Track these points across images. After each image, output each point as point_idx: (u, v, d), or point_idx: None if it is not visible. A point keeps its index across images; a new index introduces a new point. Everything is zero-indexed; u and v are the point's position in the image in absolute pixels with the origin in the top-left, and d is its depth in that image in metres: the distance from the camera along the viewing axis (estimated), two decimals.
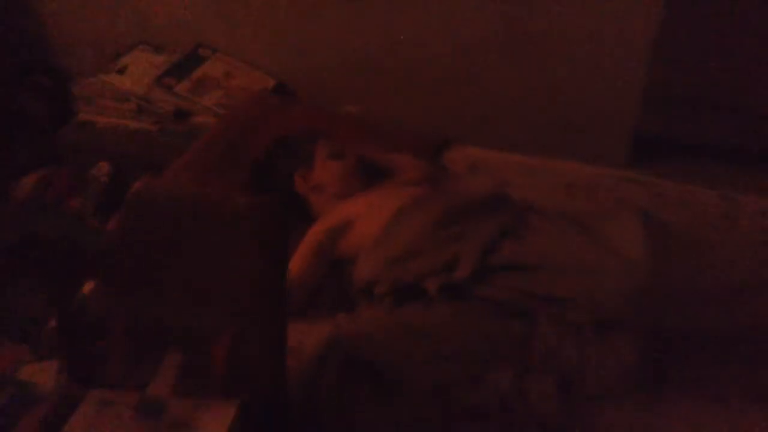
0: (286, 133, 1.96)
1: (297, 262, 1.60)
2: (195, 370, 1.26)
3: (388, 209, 1.67)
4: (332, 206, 1.77)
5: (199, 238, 1.16)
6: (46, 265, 1.32)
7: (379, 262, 1.57)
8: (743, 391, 1.41)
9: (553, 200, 1.85)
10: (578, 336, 1.41)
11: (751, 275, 1.53)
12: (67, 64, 2.54)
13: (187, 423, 1.19)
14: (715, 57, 2.35)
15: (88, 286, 1.32)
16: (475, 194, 1.68)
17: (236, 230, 1.12)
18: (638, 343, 1.39)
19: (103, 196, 2.24)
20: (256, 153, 1.91)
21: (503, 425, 1.34)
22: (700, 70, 2.34)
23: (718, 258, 1.60)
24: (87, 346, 1.32)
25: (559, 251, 1.50)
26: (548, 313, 1.43)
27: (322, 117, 2.15)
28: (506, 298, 1.47)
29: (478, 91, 2.19)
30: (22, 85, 2.56)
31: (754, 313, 1.49)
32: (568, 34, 2.04)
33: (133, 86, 2.26)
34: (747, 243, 1.81)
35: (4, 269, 1.24)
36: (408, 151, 1.98)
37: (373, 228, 1.64)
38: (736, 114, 2.43)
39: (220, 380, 1.24)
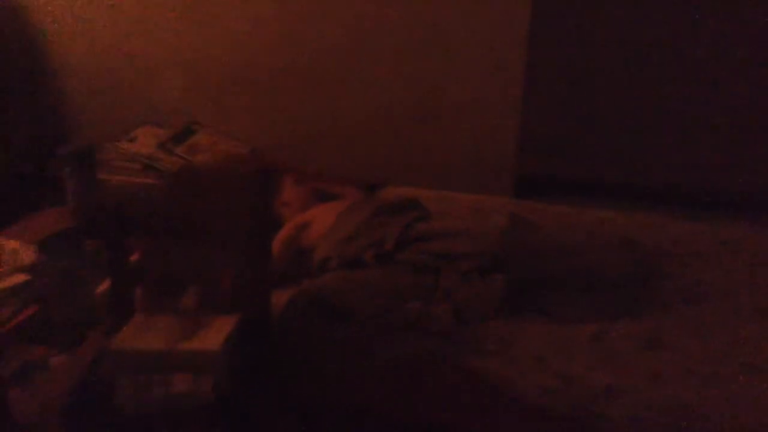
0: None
1: (275, 247, 2.17)
2: (208, 296, 1.77)
3: (334, 213, 2.26)
4: (296, 215, 2.36)
5: (213, 197, 1.73)
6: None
7: (332, 245, 2.15)
8: (579, 316, 1.97)
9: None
10: (466, 278, 1.99)
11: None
12: (86, 138, 3.11)
13: (203, 328, 1.69)
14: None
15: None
16: (395, 199, 2.30)
17: (239, 190, 1.70)
18: (507, 282, 1.97)
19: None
20: None
21: (415, 335, 1.88)
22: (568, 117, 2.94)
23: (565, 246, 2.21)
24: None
25: (451, 226, 2.10)
26: (446, 265, 2.02)
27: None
28: (418, 259, 2.05)
29: (400, 150, 2.82)
30: (49, 157, 3.08)
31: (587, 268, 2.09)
32: (458, 99, 2.68)
33: (140, 149, 2.84)
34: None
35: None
36: (349, 185, 2.61)
37: (325, 225, 2.23)
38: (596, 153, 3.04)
39: (226, 303, 1.76)
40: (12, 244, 1.50)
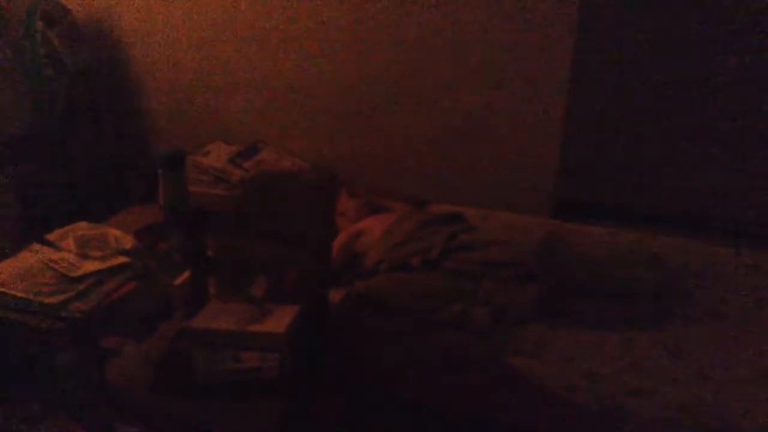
0: None
1: (334, 250, 2.37)
2: (274, 286, 1.98)
3: (385, 223, 2.46)
4: (350, 224, 2.57)
5: (283, 201, 1.94)
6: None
7: (383, 250, 2.34)
8: (608, 324, 2.11)
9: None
10: (504, 284, 2.16)
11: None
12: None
13: (269, 314, 1.88)
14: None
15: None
16: (441, 212, 2.49)
17: (308, 192, 1.91)
18: (543, 290, 2.13)
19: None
20: None
21: (456, 334, 2.04)
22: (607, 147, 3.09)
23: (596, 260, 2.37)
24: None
25: (491, 238, 2.28)
26: (486, 273, 2.19)
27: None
28: (460, 266, 2.23)
29: (447, 170, 3.01)
30: (128, 169, 3.39)
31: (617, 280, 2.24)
32: (502, 126, 2.87)
33: (213, 163, 3.09)
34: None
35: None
36: (398, 201, 2.81)
37: (376, 233, 2.43)
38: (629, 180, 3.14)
39: (289, 294, 1.96)
40: (114, 232, 1.73)
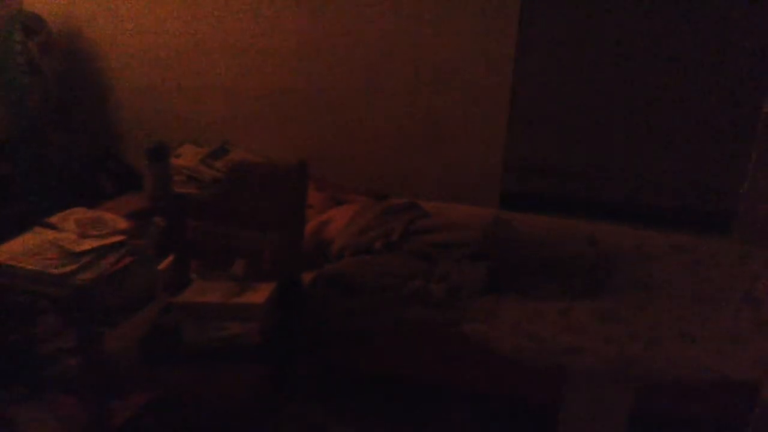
0: None
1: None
2: (252, 266, 2.16)
3: (349, 213, 2.66)
4: (318, 215, 2.76)
5: (260, 188, 2.12)
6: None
7: (348, 237, 2.53)
8: (549, 295, 2.34)
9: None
10: (457, 264, 2.38)
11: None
12: (131, 156, 3.54)
13: (249, 290, 2.06)
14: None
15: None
16: (398, 202, 2.70)
17: (281, 182, 2.09)
18: (492, 267, 2.36)
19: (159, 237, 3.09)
20: None
21: (416, 306, 2.24)
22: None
23: (538, 240, 2.61)
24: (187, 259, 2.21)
25: (445, 222, 2.50)
26: (442, 253, 2.40)
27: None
28: (418, 248, 2.44)
29: (404, 167, 3.23)
30: (99, 170, 3.50)
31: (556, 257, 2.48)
32: (454, 128, 3.12)
33: (185, 164, 3.24)
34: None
35: None
36: (359, 194, 3.02)
37: (342, 222, 2.62)
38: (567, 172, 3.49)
39: (266, 272, 2.14)
40: (109, 215, 1.89)
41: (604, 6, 3.26)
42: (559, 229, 2.86)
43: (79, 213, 1.87)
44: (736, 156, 2.97)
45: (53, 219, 1.84)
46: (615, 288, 2.40)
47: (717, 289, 2.39)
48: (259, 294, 2.02)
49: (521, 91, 3.03)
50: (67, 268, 1.64)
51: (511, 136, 3.05)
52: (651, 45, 3.24)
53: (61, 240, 1.72)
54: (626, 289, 2.41)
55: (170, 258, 2.22)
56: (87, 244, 1.73)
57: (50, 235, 1.77)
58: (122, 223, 1.82)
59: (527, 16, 2.90)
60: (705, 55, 3.20)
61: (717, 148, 3.28)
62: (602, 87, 3.32)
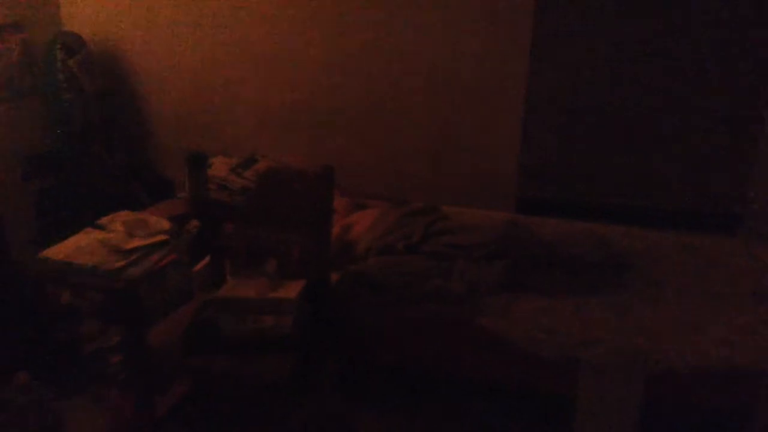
0: None
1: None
2: (283, 265, 2.29)
3: (371, 217, 2.79)
4: (342, 219, 2.90)
5: (289, 192, 2.26)
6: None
7: (371, 239, 2.66)
8: (563, 292, 2.45)
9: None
10: (475, 263, 2.49)
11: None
12: (166, 168, 3.72)
13: (281, 286, 2.19)
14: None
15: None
16: (418, 205, 2.83)
17: (309, 186, 2.23)
18: (508, 266, 2.47)
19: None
20: None
21: (437, 303, 2.36)
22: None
23: (553, 241, 2.72)
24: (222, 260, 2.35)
25: (464, 225, 2.62)
26: (460, 253, 2.53)
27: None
28: (438, 249, 2.57)
29: (424, 176, 3.36)
30: (135, 180, 3.67)
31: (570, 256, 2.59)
32: (472, 137, 3.24)
33: (215, 173, 3.40)
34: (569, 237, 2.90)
35: None
36: (380, 200, 3.15)
37: (365, 225, 2.76)
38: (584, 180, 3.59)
39: (295, 270, 2.26)
40: (153, 217, 2.04)
41: (615, 16, 3.38)
42: (572, 230, 2.96)
43: (125, 215, 2.02)
44: (745, 158, 3.07)
45: (102, 221, 1.99)
46: (627, 285, 2.50)
47: (725, 285, 2.48)
48: (291, 290, 2.15)
49: (534, 100, 3.16)
50: (118, 264, 1.79)
51: (525, 144, 3.17)
52: (660, 51, 3.35)
53: (110, 239, 1.87)
54: (637, 285, 2.50)
55: (206, 259, 2.35)
56: (134, 243, 1.88)
57: (100, 235, 1.92)
58: (166, 224, 1.96)
59: (540, 32, 3.04)
60: (715, 58, 3.31)
61: (726, 151, 3.38)
62: (613, 94, 3.45)
